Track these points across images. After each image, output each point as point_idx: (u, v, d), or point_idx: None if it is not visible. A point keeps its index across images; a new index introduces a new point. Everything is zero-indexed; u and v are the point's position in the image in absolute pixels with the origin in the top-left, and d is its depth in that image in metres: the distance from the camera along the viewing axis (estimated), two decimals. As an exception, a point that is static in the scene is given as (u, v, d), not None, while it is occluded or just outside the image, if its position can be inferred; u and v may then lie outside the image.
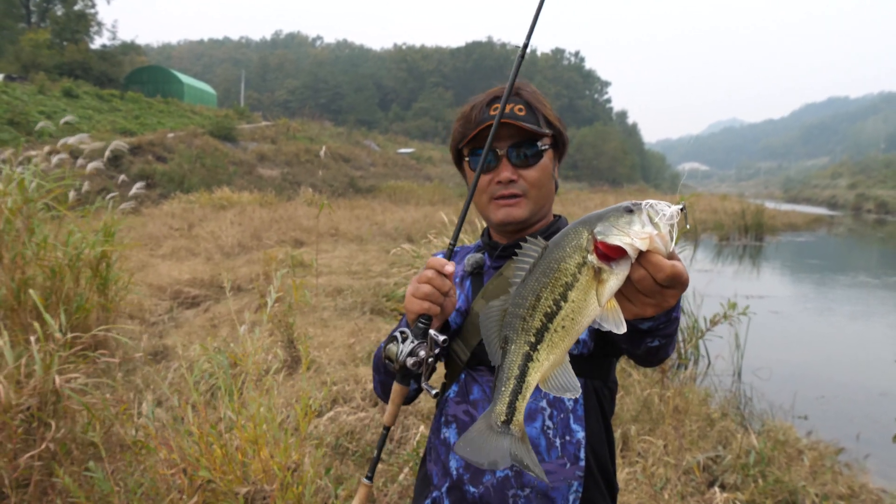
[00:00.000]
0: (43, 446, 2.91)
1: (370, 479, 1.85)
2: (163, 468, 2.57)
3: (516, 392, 1.26)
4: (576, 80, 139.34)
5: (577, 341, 1.73)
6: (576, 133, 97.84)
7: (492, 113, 1.83)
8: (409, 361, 1.68)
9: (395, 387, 1.79)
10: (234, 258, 14.06)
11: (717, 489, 4.34)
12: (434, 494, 1.84)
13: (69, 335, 3.45)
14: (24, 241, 5.68)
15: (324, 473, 3.69)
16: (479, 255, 1.96)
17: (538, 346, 1.21)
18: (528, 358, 1.23)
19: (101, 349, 5.89)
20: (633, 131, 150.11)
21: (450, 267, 1.66)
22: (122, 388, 4.91)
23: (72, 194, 7.52)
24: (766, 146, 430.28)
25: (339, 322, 8.67)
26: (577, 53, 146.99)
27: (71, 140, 10.21)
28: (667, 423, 5.05)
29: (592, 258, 1.13)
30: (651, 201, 1.15)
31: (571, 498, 1.73)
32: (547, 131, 1.86)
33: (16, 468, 2.81)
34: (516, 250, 1.32)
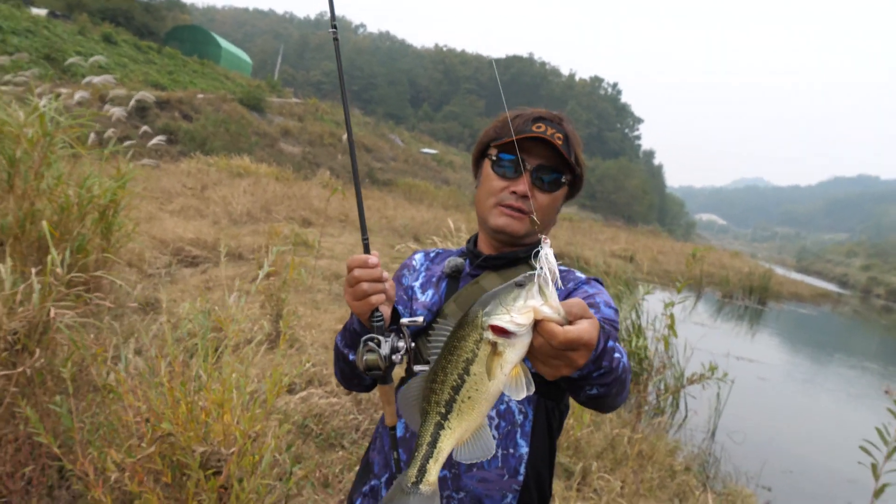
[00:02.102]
0: (20, 370, 2.97)
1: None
2: (127, 414, 2.62)
3: (427, 457, 1.36)
4: (609, 112, 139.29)
5: None
6: (600, 164, 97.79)
7: (534, 129, 1.85)
8: (396, 358, 1.70)
9: (383, 389, 1.80)
10: (241, 226, 14.14)
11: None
12: (373, 482, 1.89)
13: (70, 274, 3.50)
14: (40, 173, 5.74)
15: (284, 449, 3.74)
16: (459, 260, 2.01)
17: (448, 416, 1.32)
18: (440, 427, 1.34)
19: (97, 292, 5.94)
20: (657, 172, 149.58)
21: (373, 259, 1.68)
22: (106, 331, 4.97)
23: (92, 136, 7.59)
24: (788, 211, 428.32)
25: (331, 306, 8.73)
26: (615, 85, 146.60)
27: (96, 80, 10.25)
28: (629, 465, 5.09)
29: (488, 334, 1.23)
30: (546, 270, 1.24)
31: None
32: (577, 168, 1.91)
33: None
34: (430, 332, 1.42)
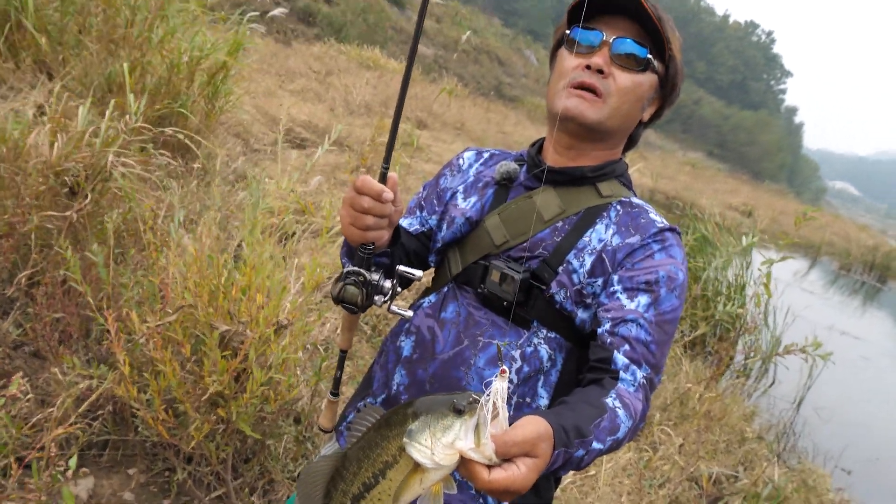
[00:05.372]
0: (68, 213, 2.90)
1: (336, 395, 1.74)
2: (161, 277, 2.50)
3: None
4: (757, 61, 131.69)
5: (586, 315, 1.55)
6: (736, 113, 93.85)
7: None
8: (378, 300, 1.50)
9: (349, 317, 1.63)
10: (356, 117, 14.05)
11: (718, 508, 4.11)
12: (368, 400, 1.68)
13: (140, 122, 3.38)
14: (153, 24, 5.67)
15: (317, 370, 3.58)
16: (513, 166, 1.69)
17: None
18: None
19: (189, 155, 5.91)
20: (795, 131, 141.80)
21: (388, 194, 1.41)
22: (188, 194, 4.92)
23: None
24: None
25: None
26: (769, 33, 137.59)
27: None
28: (693, 423, 4.78)
29: (411, 450, 1.07)
30: (493, 398, 1.04)
31: None
32: (669, 50, 1.57)
33: (26, 222, 2.81)
34: (355, 413, 1.30)
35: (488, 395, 1.04)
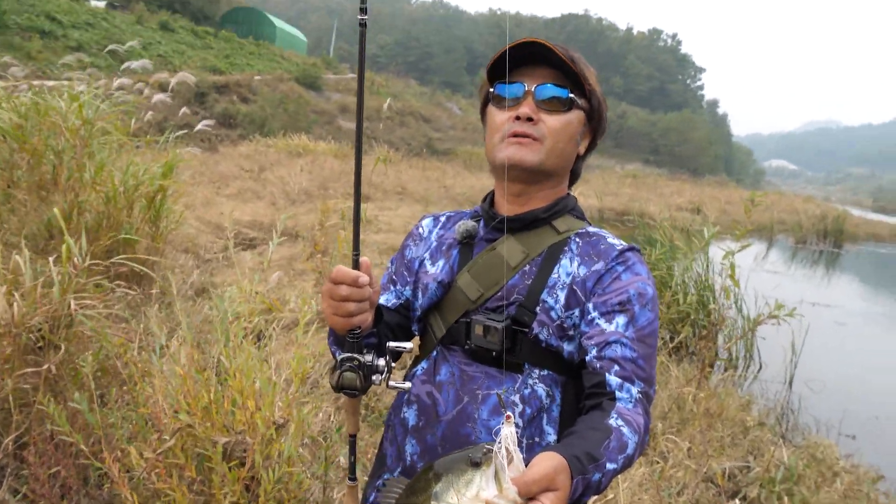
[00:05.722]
0: (45, 367, 2.89)
1: (353, 479, 1.74)
2: (150, 407, 2.51)
3: None
4: (669, 64, 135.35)
5: (572, 347, 1.62)
6: (662, 118, 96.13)
7: (529, 39, 1.62)
8: (376, 379, 1.54)
9: (351, 401, 1.65)
10: (299, 205, 14.12)
11: (738, 502, 4.13)
12: (386, 476, 1.71)
13: (88, 260, 3.39)
14: (82, 163, 5.70)
15: (334, 429, 3.61)
16: (471, 223, 1.76)
17: None
18: None
19: (145, 281, 5.91)
20: (721, 122, 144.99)
21: (364, 279, 1.48)
22: (154, 321, 4.91)
23: (141, 122, 7.56)
24: (861, 152, 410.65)
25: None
26: (674, 36, 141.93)
27: (135, 65, 10.16)
28: (695, 424, 4.83)
29: None
30: (505, 444, 1.09)
31: None
32: (588, 86, 1.66)
33: (1, 387, 2.80)
34: (377, 491, 1.38)
35: (499, 442, 1.07)
